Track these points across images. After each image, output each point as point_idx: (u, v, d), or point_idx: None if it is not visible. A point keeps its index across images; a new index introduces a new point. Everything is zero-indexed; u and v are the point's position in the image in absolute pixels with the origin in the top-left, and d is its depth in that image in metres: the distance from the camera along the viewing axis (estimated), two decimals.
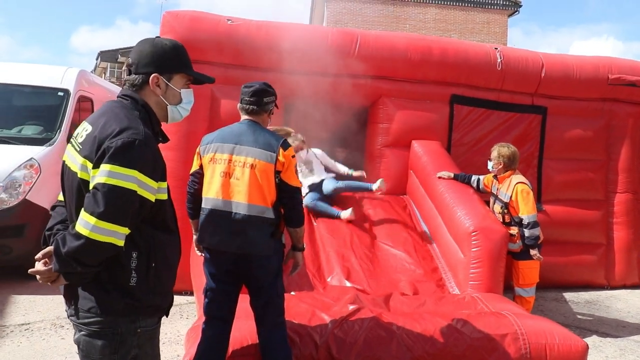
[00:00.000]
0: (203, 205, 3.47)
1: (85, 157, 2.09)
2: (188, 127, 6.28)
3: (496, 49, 7.15)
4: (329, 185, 6.18)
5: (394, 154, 6.81)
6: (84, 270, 2.04)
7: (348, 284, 4.99)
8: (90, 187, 2.05)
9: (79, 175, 2.10)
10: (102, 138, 2.07)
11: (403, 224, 6.00)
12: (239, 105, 3.60)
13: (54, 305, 5.80)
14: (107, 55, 44.75)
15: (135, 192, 2.05)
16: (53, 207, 2.40)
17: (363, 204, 6.28)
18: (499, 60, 7.02)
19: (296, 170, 3.50)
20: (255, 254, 3.35)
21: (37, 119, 7.84)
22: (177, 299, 6.11)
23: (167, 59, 2.33)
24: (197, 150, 3.59)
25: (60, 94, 7.98)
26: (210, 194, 3.42)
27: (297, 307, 4.17)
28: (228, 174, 3.39)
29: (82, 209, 2.03)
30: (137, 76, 2.29)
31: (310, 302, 4.36)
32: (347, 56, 6.54)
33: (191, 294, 5.62)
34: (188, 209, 3.68)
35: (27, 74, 8.25)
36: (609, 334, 5.77)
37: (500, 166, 5.56)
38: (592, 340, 5.50)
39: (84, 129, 2.19)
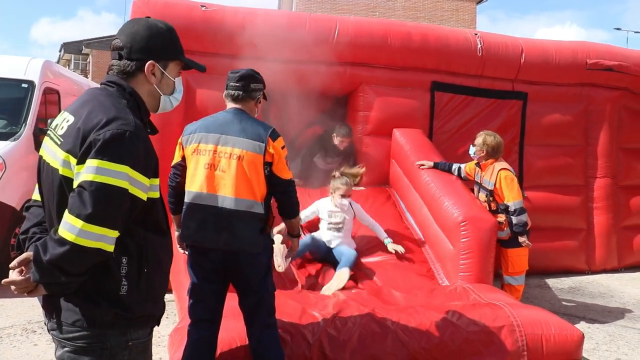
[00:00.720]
0: (186, 200, 3.26)
1: (67, 151, 1.85)
2: (161, 117, 5.89)
3: (476, 34, 7.05)
4: (346, 259, 4.92)
5: (374, 143, 6.66)
6: (68, 280, 1.80)
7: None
8: (75, 185, 1.80)
9: (60, 172, 1.86)
10: (87, 130, 1.82)
11: (388, 216, 5.85)
12: (225, 92, 3.41)
13: (24, 308, 5.50)
14: (71, 47, 43.67)
15: (127, 190, 1.82)
16: (27, 208, 2.12)
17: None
18: (479, 45, 6.91)
19: (287, 162, 3.30)
20: (244, 250, 3.15)
21: (1, 112, 7.47)
22: None
23: (164, 45, 2.10)
24: (179, 140, 3.37)
25: (25, 85, 7.58)
26: (194, 188, 3.22)
27: (286, 305, 3.99)
28: (213, 166, 3.19)
29: (66, 210, 1.79)
30: (129, 62, 2.04)
31: (299, 299, 4.18)
32: (325, 43, 6.35)
33: (170, 291, 5.39)
34: (169, 203, 3.46)
35: None
36: (597, 319, 5.74)
37: (483, 154, 5.46)
38: (580, 327, 5.40)
39: (65, 120, 1.94)
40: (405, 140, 6.40)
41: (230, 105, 3.37)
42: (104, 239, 1.78)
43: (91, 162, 1.78)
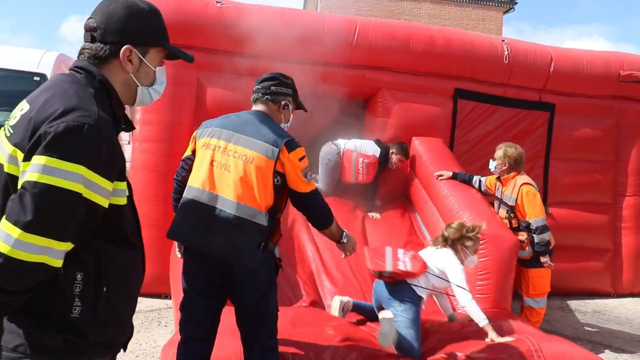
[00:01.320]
0: (185, 194, 2.99)
1: (15, 144, 1.56)
2: (172, 116, 5.82)
3: (503, 40, 6.71)
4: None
5: None
6: (6, 299, 1.50)
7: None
8: (19, 186, 1.51)
9: (5, 170, 1.58)
10: (40, 120, 1.54)
11: (403, 229, 5.54)
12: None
13: None
14: None
15: (80, 194, 1.51)
16: None
17: (361, 207, 5.78)
18: (506, 52, 6.57)
19: (308, 174, 3.00)
20: (237, 262, 2.86)
21: (9, 105, 7.29)
22: (156, 302, 5.69)
23: (144, 27, 1.80)
24: (194, 134, 3.14)
25: (37, 78, 7.41)
26: (196, 183, 2.95)
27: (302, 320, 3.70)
28: (220, 164, 2.93)
29: (4, 216, 1.49)
30: (102, 46, 1.74)
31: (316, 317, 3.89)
32: (344, 45, 6.07)
33: (169, 296, 5.15)
34: (173, 200, 3.22)
35: (1, 56, 7.68)
36: (624, 349, 5.35)
37: (505, 167, 5.11)
38: (606, 357, 5.08)
39: (20, 109, 1.66)
40: (424, 150, 6.08)
41: (253, 107, 3.16)
42: (49, 252, 1.48)
43: (38, 159, 1.48)
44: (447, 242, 4.06)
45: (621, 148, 7.32)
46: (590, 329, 5.92)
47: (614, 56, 7.22)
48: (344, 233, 3.26)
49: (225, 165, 2.91)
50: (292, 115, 3.22)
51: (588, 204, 7.13)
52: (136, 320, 5.04)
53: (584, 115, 7.11)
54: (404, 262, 3.86)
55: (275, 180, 2.92)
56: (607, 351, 5.25)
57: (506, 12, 28.30)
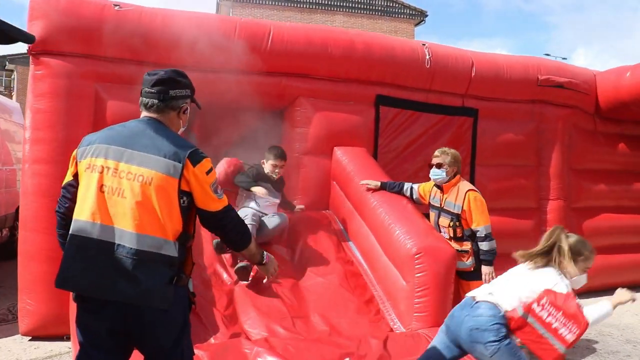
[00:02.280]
0: (71, 231, 2.42)
1: None
2: (67, 134, 5.13)
3: (424, 44, 6.47)
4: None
5: (313, 163, 5.92)
6: None
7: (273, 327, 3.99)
8: None
9: None
10: None
11: (329, 246, 5.11)
12: (140, 99, 2.63)
13: None
14: None
15: None
16: None
17: None
18: (427, 57, 6.34)
19: (217, 188, 2.53)
20: (147, 305, 2.33)
21: None
22: (56, 346, 4.94)
23: None
24: (73, 153, 2.55)
25: None
26: (83, 216, 2.39)
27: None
28: (111, 189, 2.38)
29: None
30: None
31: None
32: (257, 51, 5.62)
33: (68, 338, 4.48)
34: (59, 237, 2.64)
35: None
36: None
37: (454, 171, 4.80)
38: None
39: None
40: (347, 160, 5.70)
41: (144, 114, 2.60)
42: None
43: None
44: (553, 258, 3.21)
45: (542, 152, 7.28)
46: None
47: (532, 61, 7.19)
48: (264, 253, 2.84)
49: (119, 190, 2.38)
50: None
51: (514, 210, 7.02)
52: None
53: (506, 120, 7.03)
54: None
55: (182, 201, 2.42)
56: None
57: (417, 24, 28.89)
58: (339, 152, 5.86)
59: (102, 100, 5.32)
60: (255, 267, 4.02)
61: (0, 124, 8.34)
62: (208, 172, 2.47)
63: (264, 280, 2.94)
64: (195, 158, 2.43)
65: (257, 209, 5.07)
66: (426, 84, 6.43)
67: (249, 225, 4.38)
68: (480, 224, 4.59)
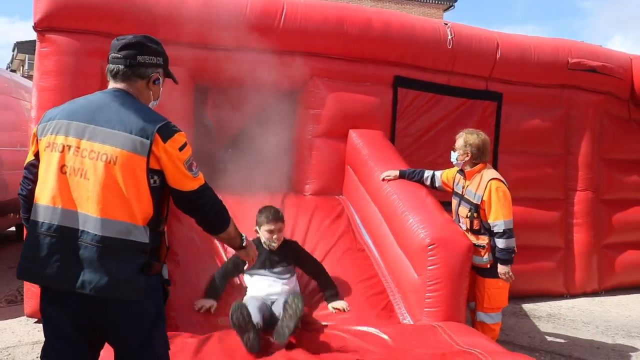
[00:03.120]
0: (31, 217, 2.21)
1: None
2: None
3: (446, 24, 6.15)
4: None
5: (327, 146, 5.65)
6: None
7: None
8: None
9: None
10: None
11: (341, 233, 4.87)
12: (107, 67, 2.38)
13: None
14: (25, 47, 41.47)
15: None
16: None
17: (289, 207, 5.08)
18: (449, 37, 6.01)
19: (193, 165, 2.28)
20: (115, 297, 2.12)
21: None
22: (10, 338, 4.77)
23: None
24: (34, 130, 2.33)
25: None
26: (43, 200, 2.17)
27: None
28: (73, 170, 2.15)
29: None
30: None
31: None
32: (269, 28, 5.37)
33: None
34: (24, 221, 2.41)
35: None
36: (585, 359, 4.84)
37: (467, 158, 4.37)
38: None
39: None
40: (362, 143, 5.42)
41: (111, 85, 2.35)
42: None
43: None
44: None
45: (571, 140, 6.91)
46: (548, 337, 5.41)
47: (562, 43, 6.80)
48: (244, 236, 2.59)
49: (81, 171, 2.15)
50: (162, 89, 2.48)
51: (538, 200, 6.71)
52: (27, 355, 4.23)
53: (533, 105, 6.68)
54: None
55: (152, 181, 2.19)
56: None
57: (446, 9, 28.33)
58: (354, 135, 5.59)
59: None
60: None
61: (24, 105, 8.29)
62: (181, 148, 2.23)
63: (245, 267, 2.68)
64: (166, 133, 2.19)
65: (260, 293, 3.92)
66: (448, 66, 6.11)
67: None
68: (499, 217, 4.16)
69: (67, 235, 2.12)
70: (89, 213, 2.11)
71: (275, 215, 4.08)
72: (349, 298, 4.12)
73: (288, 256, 4.10)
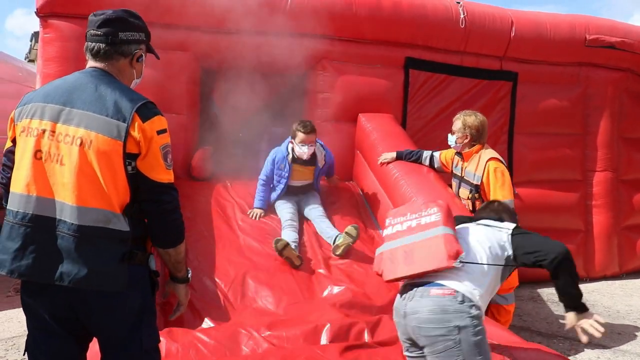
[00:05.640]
0: (8, 206, 2.11)
1: None
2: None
3: (458, 2, 5.96)
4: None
5: (336, 130, 5.54)
6: None
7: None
8: None
9: None
10: None
11: (350, 220, 4.74)
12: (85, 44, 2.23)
13: None
14: None
15: None
16: None
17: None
18: (462, 16, 5.84)
19: (168, 157, 2.14)
20: (95, 288, 2.02)
21: None
22: (16, 328, 4.75)
23: None
24: (11, 115, 2.20)
25: None
26: (18, 188, 2.07)
27: None
28: (48, 155, 2.04)
29: None
30: None
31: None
32: (277, 9, 5.25)
33: None
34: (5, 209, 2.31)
35: None
36: (605, 345, 4.70)
37: (466, 140, 4.33)
38: (587, 358, 4.42)
39: None
40: (372, 127, 5.31)
41: (90, 63, 2.21)
42: None
43: None
44: None
45: (589, 119, 6.71)
46: (565, 322, 5.26)
47: (579, 19, 6.57)
48: (190, 271, 2.39)
49: (57, 156, 2.03)
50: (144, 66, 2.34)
51: (556, 182, 6.54)
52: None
53: (549, 85, 6.50)
54: None
55: (130, 167, 2.07)
56: (586, 350, 4.60)
57: None
58: (363, 119, 5.47)
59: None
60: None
61: None
62: (160, 132, 2.10)
63: (171, 316, 2.37)
64: (146, 113, 2.07)
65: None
66: (460, 46, 5.95)
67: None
68: (498, 197, 4.05)
69: (43, 225, 2.02)
70: (65, 201, 2.01)
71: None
72: (360, 286, 4.01)
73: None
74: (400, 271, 2.65)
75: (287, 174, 4.81)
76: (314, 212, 4.79)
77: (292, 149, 4.78)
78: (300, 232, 4.59)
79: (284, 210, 4.74)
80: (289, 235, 4.43)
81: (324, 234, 4.60)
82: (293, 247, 4.25)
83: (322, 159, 4.90)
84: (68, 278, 1.98)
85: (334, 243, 4.41)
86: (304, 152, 4.72)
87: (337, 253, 4.35)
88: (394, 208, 4.48)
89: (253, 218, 4.73)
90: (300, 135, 4.70)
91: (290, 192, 4.89)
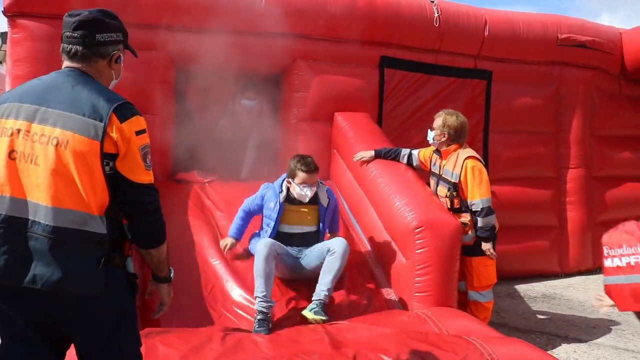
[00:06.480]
0: None
1: None
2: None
3: (432, 2, 5.98)
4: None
5: (313, 129, 5.50)
6: None
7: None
8: None
9: None
10: None
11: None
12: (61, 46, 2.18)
13: None
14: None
15: None
16: None
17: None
18: (436, 15, 5.86)
19: (147, 157, 2.10)
20: (70, 292, 1.96)
21: None
22: None
23: None
24: None
25: None
26: None
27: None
28: (23, 156, 1.98)
29: None
30: None
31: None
32: (250, 9, 5.20)
33: None
34: None
35: None
36: (581, 339, 4.76)
37: (444, 138, 4.37)
38: (564, 352, 4.47)
39: None
40: (348, 126, 5.29)
41: (66, 63, 2.16)
42: None
43: None
44: None
45: (562, 117, 6.81)
46: (542, 317, 5.33)
47: (551, 19, 6.66)
48: (172, 270, 2.34)
49: (31, 156, 1.97)
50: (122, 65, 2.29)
51: (531, 179, 6.63)
52: None
53: (523, 83, 6.58)
54: None
55: (107, 167, 2.01)
56: (563, 344, 4.64)
57: None
58: (339, 118, 5.45)
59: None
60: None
61: None
62: (139, 133, 2.06)
63: (154, 315, 2.34)
64: (123, 112, 2.03)
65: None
66: (435, 44, 5.97)
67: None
68: (475, 196, 4.16)
69: (16, 226, 1.96)
70: (40, 202, 1.95)
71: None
72: (337, 285, 3.99)
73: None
74: None
75: (275, 215, 3.95)
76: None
77: (288, 189, 4.04)
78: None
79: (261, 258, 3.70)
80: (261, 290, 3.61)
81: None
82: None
83: (325, 197, 4.12)
84: (41, 281, 1.92)
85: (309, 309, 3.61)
86: (305, 194, 3.95)
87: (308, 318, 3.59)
88: (372, 206, 4.49)
89: (223, 249, 4.10)
90: (301, 175, 3.94)
91: (283, 242, 3.91)
